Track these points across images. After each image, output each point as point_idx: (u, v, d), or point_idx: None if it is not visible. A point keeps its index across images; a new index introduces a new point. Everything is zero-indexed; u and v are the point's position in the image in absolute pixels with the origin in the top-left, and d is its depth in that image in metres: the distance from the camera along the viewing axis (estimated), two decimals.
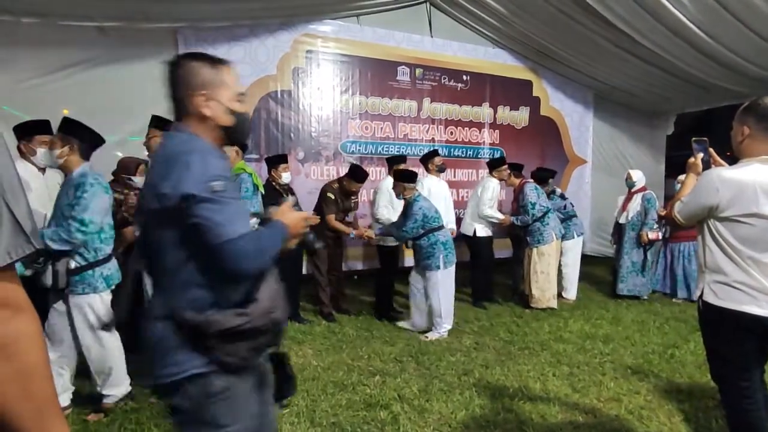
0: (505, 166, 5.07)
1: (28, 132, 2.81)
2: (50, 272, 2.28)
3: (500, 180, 5.03)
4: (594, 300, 5.37)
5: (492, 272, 5.22)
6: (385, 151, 5.75)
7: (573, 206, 5.47)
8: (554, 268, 4.89)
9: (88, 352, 2.52)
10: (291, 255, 4.22)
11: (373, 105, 5.72)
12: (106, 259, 2.54)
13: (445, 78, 6.12)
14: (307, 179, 5.26)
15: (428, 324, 4.12)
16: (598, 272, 6.69)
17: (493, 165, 5.11)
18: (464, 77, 6.24)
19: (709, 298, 1.80)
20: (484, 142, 6.46)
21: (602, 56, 5.85)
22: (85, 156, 2.49)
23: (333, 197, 4.45)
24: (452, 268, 4.06)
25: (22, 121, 3.02)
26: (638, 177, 5.42)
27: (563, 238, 5.09)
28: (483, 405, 2.75)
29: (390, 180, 4.56)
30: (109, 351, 2.56)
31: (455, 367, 3.32)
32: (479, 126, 6.43)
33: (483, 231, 4.96)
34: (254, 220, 3.17)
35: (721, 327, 1.81)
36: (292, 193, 4.27)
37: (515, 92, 6.63)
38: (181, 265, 1.17)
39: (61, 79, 4.34)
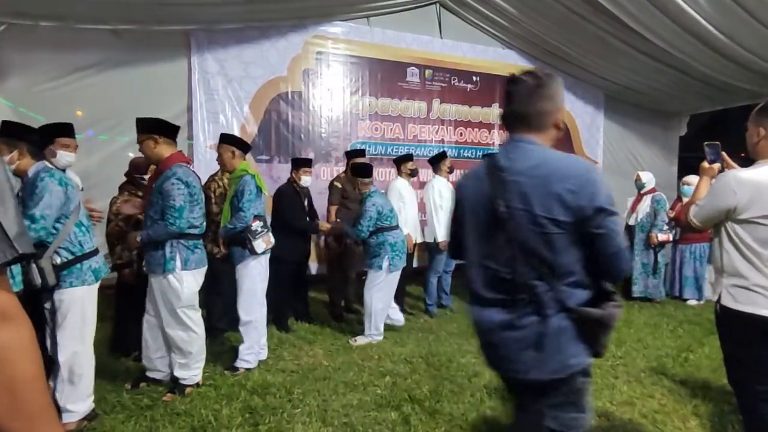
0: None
1: (49, 134, 2.84)
2: (35, 271, 2.22)
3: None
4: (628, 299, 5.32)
5: None
6: (395, 152, 5.76)
7: None
8: None
9: (63, 352, 2.36)
10: (299, 256, 4.27)
11: (382, 106, 5.73)
12: (93, 253, 2.49)
13: (454, 79, 6.12)
14: (318, 180, 5.27)
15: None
16: None
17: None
18: (474, 78, 6.24)
19: (727, 301, 1.78)
20: (494, 143, 6.44)
21: (613, 56, 5.80)
22: (36, 156, 2.41)
23: (340, 186, 4.47)
24: (396, 274, 3.89)
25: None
26: (648, 178, 5.37)
27: None
28: (494, 407, 2.74)
29: (400, 180, 4.57)
30: (84, 357, 2.43)
31: (466, 369, 3.31)
32: (489, 127, 6.42)
33: None
34: (258, 223, 3.11)
35: (738, 331, 1.79)
36: (308, 196, 4.28)
37: None
38: (573, 266, 1.30)
39: (75, 82, 4.42)
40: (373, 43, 5.61)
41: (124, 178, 3.59)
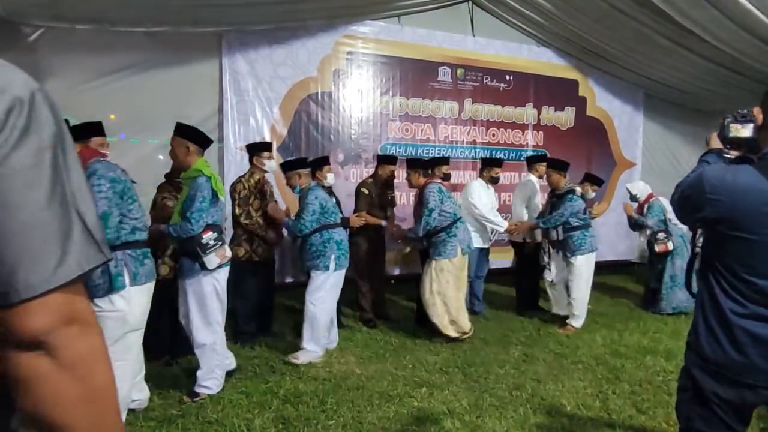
0: (543, 163, 4.77)
1: (84, 134, 2.81)
2: None
3: (539, 177, 4.75)
4: (649, 311, 5.04)
5: (538, 280, 4.99)
6: (426, 153, 5.61)
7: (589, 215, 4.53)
8: (453, 288, 3.86)
9: None
10: None
11: (413, 106, 5.60)
12: None
13: (487, 78, 5.93)
14: (347, 182, 5.18)
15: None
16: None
17: (529, 161, 4.90)
18: (507, 77, 6.04)
19: None
20: (527, 144, 6.23)
21: (658, 53, 5.51)
22: None
23: (367, 192, 4.36)
24: (342, 273, 3.53)
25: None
26: (639, 189, 5.13)
27: (575, 252, 4.25)
28: (540, 424, 2.57)
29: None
30: None
31: (505, 381, 3.14)
32: (522, 127, 6.21)
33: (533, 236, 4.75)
34: (211, 235, 2.68)
35: None
36: (333, 195, 4.20)
37: (560, 92, 6.36)
38: None
39: (109, 84, 4.44)
40: (404, 43, 5.49)
41: (154, 182, 3.55)
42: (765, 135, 1.38)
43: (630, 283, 6.36)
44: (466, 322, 3.94)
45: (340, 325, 4.22)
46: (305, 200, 3.44)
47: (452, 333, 3.88)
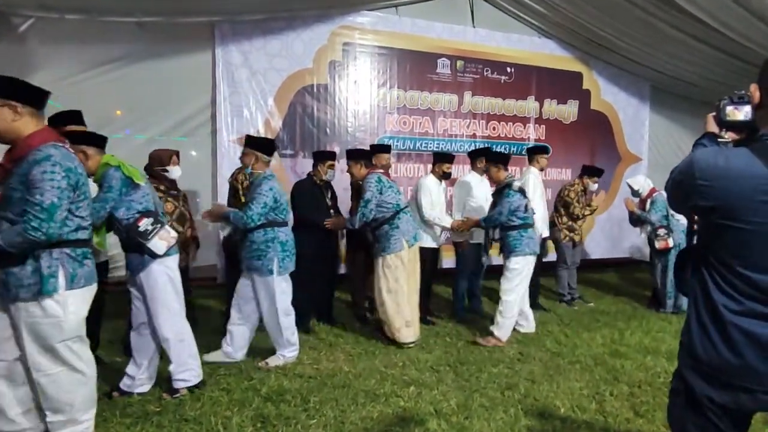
0: (545, 154, 4.61)
1: (61, 122, 2.75)
2: None
3: (540, 170, 4.55)
4: (651, 310, 4.89)
5: (538, 278, 4.85)
6: (424, 147, 5.50)
7: (534, 213, 4.01)
8: (406, 285, 3.62)
9: None
10: (328, 254, 4.09)
11: (411, 99, 5.48)
12: None
13: (487, 70, 5.80)
14: (344, 175, 5.04)
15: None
16: None
17: (530, 152, 4.61)
18: (508, 69, 5.89)
19: None
20: (529, 138, 6.08)
21: (665, 44, 5.33)
22: None
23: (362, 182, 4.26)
24: (287, 277, 3.20)
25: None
26: (640, 183, 4.91)
27: (510, 254, 3.77)
28: (531, 426, 2.46)
29: (431, 177, 4.32)
30: None
31: (498, 380, 3.03)
32: (524, 121, 6.06)
33: (545, 232, 4.64)
34: (147, 221, 2.52)
35: None
36: (331, 190, 4.12)
37: (563, 85, 6.20)
38: None
39: (100, 75, 4.38)
40: (402, 33, 5.37)
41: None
42: (763, 115, 1.25)
43: (633, 281, 6.21)
44: (416, 330, 3.70)
45: (331, 321, 4.15)
46: (258, 189, 3.06)
47: (406, 338, 3.59)
